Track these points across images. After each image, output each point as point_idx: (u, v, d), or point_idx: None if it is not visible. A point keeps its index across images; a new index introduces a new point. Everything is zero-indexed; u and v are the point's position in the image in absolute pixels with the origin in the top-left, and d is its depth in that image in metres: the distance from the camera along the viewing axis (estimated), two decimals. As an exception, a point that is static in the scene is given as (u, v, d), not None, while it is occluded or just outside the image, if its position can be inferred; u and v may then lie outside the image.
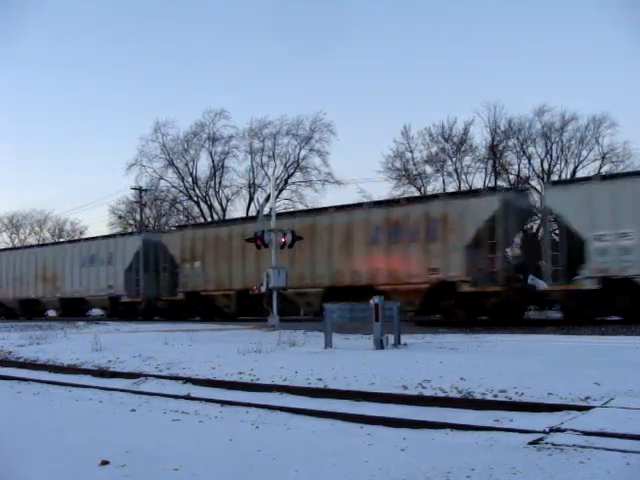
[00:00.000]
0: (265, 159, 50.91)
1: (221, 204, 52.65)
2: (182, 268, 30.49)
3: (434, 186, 46.84)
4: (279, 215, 27.63)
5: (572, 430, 5.54)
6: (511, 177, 46.03)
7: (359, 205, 26.78)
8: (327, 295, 23.49)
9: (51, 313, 42.65)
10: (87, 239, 40.00)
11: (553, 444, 5.14)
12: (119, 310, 33.73)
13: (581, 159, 45.27)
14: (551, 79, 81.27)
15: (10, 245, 65.98)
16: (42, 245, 41.08)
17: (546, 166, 45.62)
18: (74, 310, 37.64)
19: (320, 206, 35.31)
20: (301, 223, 25.71)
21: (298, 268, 25.24)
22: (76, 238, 44.41)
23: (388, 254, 23.51)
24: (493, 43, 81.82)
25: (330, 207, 27.09)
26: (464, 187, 44.31)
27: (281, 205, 46.83)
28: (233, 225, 29.74)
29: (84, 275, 35.10)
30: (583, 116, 45.20)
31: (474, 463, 4.68)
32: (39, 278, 37.92)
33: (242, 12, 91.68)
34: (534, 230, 27.45)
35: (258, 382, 9.25)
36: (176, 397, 8.36)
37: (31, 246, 44.02)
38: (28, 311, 39.51)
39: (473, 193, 24.50)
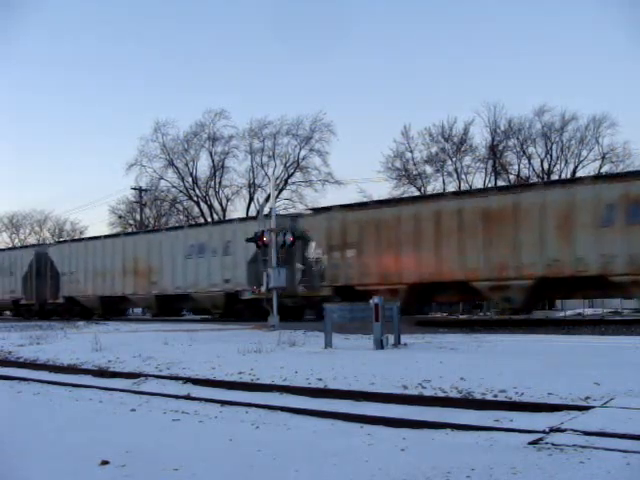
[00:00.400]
0: (265, 159, 51.05)
1: (221, 204, 52.75)
2: (330, 257, 25.20)
3: (434, 186, 46.96)
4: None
5: (572, 430, 5.54)
6: (511, 177, 46.10)
7: (580, 179, 23.02)
8: (537, 288, 20.31)
9: (136, 312, 38.78)
10: (192, 226, 35.54)
11: (553, 444, 5.14)
12: (236, 309, 28.54)
13: (581, 159, 45.39)
14: (551, 79, 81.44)
15: (10, 245, 65.97)
16: (132, 234, 35.89)
17: (546, 166, 45.69)
18: (170, 309, 33.49)
19: (529, 182, 30.99)
20: (497, 202, 21.74)
21: (495, 256, 21.40)
22: (176, 225, 39.11)
23: (627, 238, 19.51)
24: (493, 43, 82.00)
25: (539, 183, 23.16)
26: (464, 187, 44.32)
27: (281, 205, 46.89)
28: (402, 205, 24.48)
29: (190, 268, 29.69)
30: (583, 116, 45.45)
31: (474, 463, 4.68)
32: (128, 272, 32.72)
33: (242, 12, 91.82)
34: None
35: (258, 382, 9.25)
36: (176, 397, 8.36)
37: (117, 235, 38.45)
38: (110, 310, 34.91)
39: None
